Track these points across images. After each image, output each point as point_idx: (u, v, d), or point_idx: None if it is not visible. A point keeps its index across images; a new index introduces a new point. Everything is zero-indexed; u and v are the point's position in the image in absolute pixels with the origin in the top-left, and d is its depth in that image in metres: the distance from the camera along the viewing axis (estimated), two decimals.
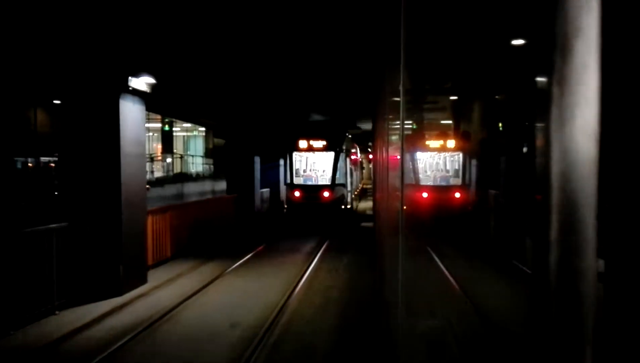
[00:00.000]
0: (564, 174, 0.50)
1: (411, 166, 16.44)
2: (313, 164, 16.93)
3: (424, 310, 6.74)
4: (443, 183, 16.41)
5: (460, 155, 16.66)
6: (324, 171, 16.83)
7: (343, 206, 17.37)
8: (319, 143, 16.96)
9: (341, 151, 17.29)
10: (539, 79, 0.54)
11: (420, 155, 17.02)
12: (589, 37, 0.50)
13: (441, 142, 16.98)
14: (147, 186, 10.22)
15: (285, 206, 17.60)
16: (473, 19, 9.12)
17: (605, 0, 0.48)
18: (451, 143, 16.85)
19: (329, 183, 16.65)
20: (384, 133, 6.39)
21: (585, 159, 0.50)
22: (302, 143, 16.98)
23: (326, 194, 16.50)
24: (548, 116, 0.51)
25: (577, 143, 0.50)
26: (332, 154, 16.92)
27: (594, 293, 0.47)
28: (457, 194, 16.09)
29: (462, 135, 17.87)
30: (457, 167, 16.62)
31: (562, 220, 0.50)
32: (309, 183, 16.78)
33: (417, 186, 16.41)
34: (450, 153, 16.74)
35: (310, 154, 16.93)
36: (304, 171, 16.94)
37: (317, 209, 16.32)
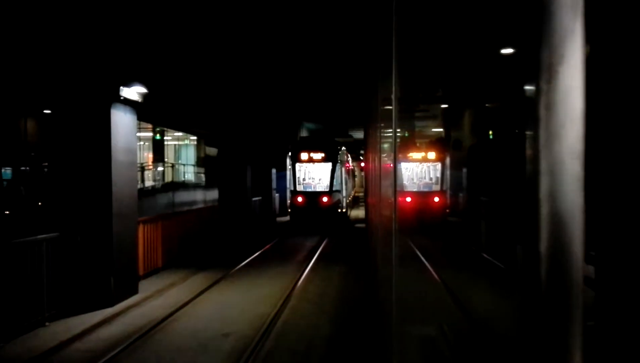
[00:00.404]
0: (551, 191, 0.52)
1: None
2: (314, 173, 19.15)
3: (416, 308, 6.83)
4: (425, 189, 18.85)
5: (439, 165, 19.12)
6: (322, 179, 19.08)
7: (339, 210, 19.57)
8: (319, 155, 19.15)
9: (337, 162, 19.42)
10: (527, 87, 0.57)
11: (405, 165, 18.66)
12: (573, 62, 0.53)
13: (423, 154, 19.37)
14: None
15: (289, 209, 20.09)
16: (463, 28, 9.24)
17: (588, 26, 0.50)
18: (431, 155, 19.26)
19: (328, 190, 18.96)
20: (376, 142, 6.44)
21: (571, 177, 0.52)
22: (304, 155, 19.17)
23: (325, 199, 18.85)
24: (536, 136, 0.53)
25: (563, 162, 0.53)
26: (329, 164, 19.12)
27: (581, 304, 0.49)
28: (436, 199, 18.69)
29: (442, 148, 20.36)
30: (437, 175, 19.11)
31: (551, 235, 0.52)
32: (309, 189, 18.99)
33: (403, 192, 17.72)
34: (431, 163, 19.19)
35: (311, 165, 19.13)
36: (304, 179, 19.13)
37: (317, 212, 18.65)
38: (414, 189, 18.65)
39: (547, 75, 0.52)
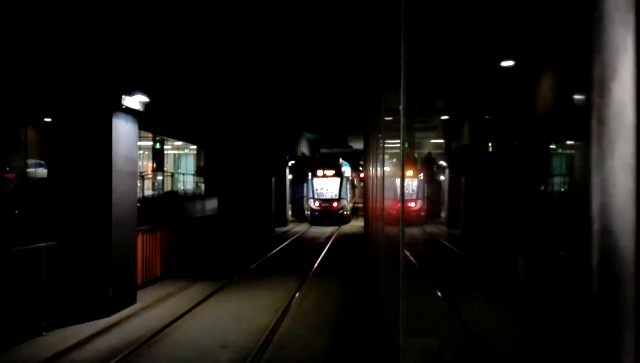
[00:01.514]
0: (603, 207, 0.51)
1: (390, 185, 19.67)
2: (327, 186, 26.71)
3: None
4: (407, 198, 23.79)
5: (416, 180, 25.16)
6: (333, 190, 26.67)
7: (344, 213, 27.30)
8: (330, 172, 26.93)
9: (343, 177, 27.10)
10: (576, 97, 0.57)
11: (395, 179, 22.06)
12: (625, 77, 0.52)
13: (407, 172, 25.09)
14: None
15: (308, 211, 28.07)
16: (465, 39, 9.29)
17: None
18: (410, 173, 25.03)
19: (337, 197, 26.54)
20: (378, 153, 6.44)
21: (624, 192, 0.51)
22: (320, 172, 27.05)
23: (335, 204, 26.51)
24: (588, 152, 0.52)
25: (616, 177, 0.52)
26: (338, 179, 26.79)
27: (634, 320, 0.48)
28: (412, 204, 24.50)
29: (418, 167, 26.59)
30: (415, 188, 24.81)
31: (603, 249, 0.51)
32: (322, 197, 26.62)
33: (394, 199, 19.87)
34: (410, 179, 24.74)
35: (325, 179, 26.82)
36: (317, 190, 26.74)
37: (328, 214, 26.32)
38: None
39: (600, 90, 0.52)
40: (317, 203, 26.61)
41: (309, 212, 27.73)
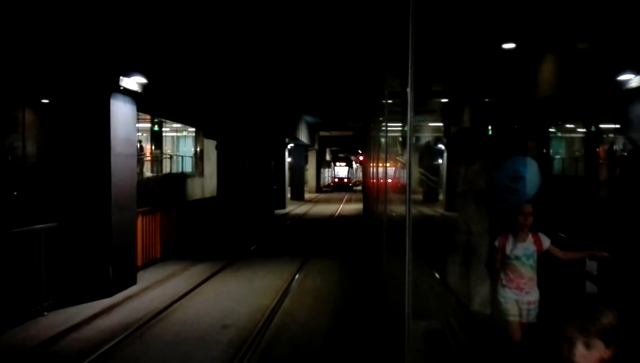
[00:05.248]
0: None
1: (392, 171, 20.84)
2: (341, 170, 52.07)
3: None
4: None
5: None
6: (344, 172, 51.73)
7: (350, 185, 49.95)
8: (343, 163, 52.27)
9: (349, 165, 52.68)
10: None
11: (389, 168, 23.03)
12: None
13: (399, 163, 27.20)
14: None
15: (331, 184, 54.38)
16: (464, 22, 9.18)
17: None
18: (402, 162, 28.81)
19: (347, 177, 51.58)
20: (378, 136, 6.41)
21: None
22: (338, 163, 53.20)
23: (345, 180, 50.62)
24: None
25: None
26: (347, 167, 52.29)
27: None
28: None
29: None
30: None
31: None
32: (339, 176, 51.78)
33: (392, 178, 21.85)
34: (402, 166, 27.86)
35: (340, 167, 52.36)
36: (336, 173, 52.81)
37: (342, 185, 49.15)
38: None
39: None
40: (336, 179, 51.45)
41: (332, 184, 52.78)
